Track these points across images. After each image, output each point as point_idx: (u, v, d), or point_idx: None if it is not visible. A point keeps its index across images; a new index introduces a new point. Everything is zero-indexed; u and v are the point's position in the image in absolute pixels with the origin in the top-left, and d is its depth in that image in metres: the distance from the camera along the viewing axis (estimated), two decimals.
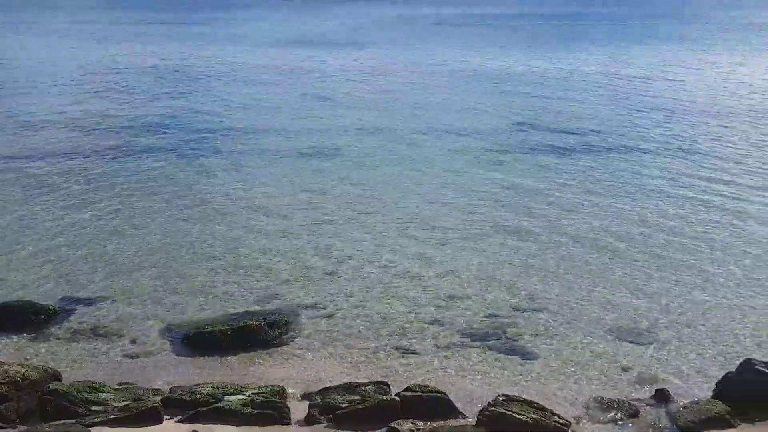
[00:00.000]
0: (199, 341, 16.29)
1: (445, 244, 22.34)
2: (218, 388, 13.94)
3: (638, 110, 45.01)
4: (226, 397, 13.54)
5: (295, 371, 15.22)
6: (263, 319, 16.94)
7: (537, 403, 13.51)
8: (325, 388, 14.14)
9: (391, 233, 23.22)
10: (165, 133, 37.60)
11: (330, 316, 17.63)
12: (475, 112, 44.04)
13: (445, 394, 13.82)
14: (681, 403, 13.89)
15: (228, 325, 16.62)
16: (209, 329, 16.55)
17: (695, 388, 14.58)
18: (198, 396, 13.68)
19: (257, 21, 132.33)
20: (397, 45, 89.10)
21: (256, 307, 18.06)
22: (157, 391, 14.09)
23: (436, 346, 16.31)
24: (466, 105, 46.76)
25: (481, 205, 25.95)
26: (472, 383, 14.82)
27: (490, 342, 16.46)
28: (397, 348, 16.19)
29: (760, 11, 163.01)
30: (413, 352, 16.03)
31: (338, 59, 72.28)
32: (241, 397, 13.52)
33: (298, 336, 16.72)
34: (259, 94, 50.92)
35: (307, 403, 13.77)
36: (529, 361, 15.69)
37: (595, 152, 33.85)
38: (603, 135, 37.47)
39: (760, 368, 13.96)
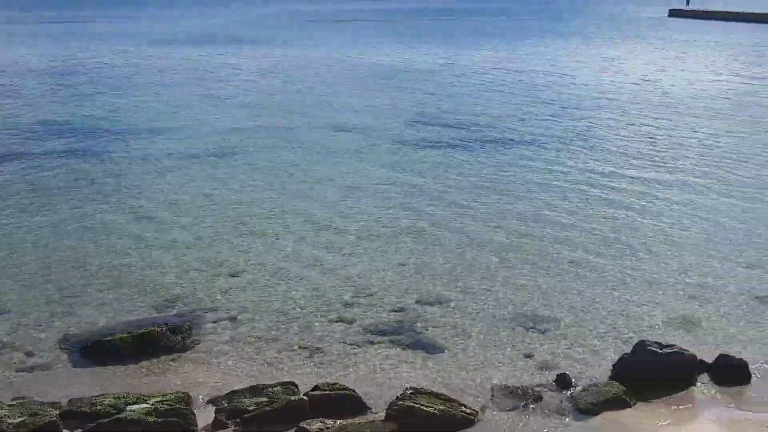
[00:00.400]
0: (98, 351, 15.73)
1: (346, 243, 22.33)
2: (120, 398, 13.51)
3: (532, 104, 46.31)
4: (129, 407, 13.12)
5: (200, 376, 14.92)
6: (165, 324, 16.53)
7: (444, 395, 13.72)
8: (232, 392, 13.92)
9: (291, 234, 23.04)
10: (51, 139, 36.04)
11: (234, 319, 17.37)
12: (371, 110, 44.29)
13: (353, 391, 13.84)
14: (581, 386, 14.37)
15: (128, 333, 16.14)
16: (108, 338, 16.01)
17: (594, 371, 15.08)
18: (98, 407, 13.22)
19: (147, 20, 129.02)
20: (290, 42, 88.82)
21: (158, 314, 17.61)
22: (55, 405, 13.53)
23: (343, 343, 16.30)
24: (362, 102, 47.01)
25: (380, 203, 26.07)
26: (381, 379, 14.88)
27: (397, 337, 16.58)
28: (303, 348, 16.09)
29: (648, 6, 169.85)
30: (320, 351, 15.97)
31: (231, 58, 71.51)
32: (144, 406, 13.15)
33: (203, 340, 16.40)
34: (150, 95, 49.72)
35: (214, 408, 13.54)
36: (435, 354, 15.88)
37: (491, 147, 34.60)
38: (499, 130, 38.35)
39: (653, 348, 14.59)
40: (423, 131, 37.95)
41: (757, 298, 18.48)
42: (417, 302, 18.29)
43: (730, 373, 14.67)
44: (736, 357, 15.02)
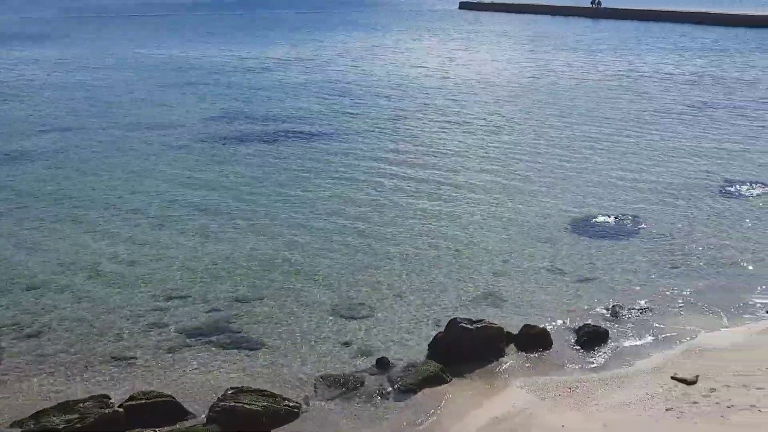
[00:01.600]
0: None
1: (154, 244, 21.51)
2: None
3: (332, 98, 46.76)
4: None
5: (2, 399, 13.79)
6: None
7: (267, 391, 13.61)
8: (39, 412, 12.94)
9: (93, 237, 21.88)
10: None
11: (36, 334, 16.17)
12: (168, 107, 43.00)
13: (172, 396, 13.39)
14: (400, 368, 14.76)
15: None
16: None
17: (412, 352, 15.55)
18: None
19: None
20: (74, 38, 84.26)
21: None
22: None
23: (158, 349, 15.69)
24: (155, 99, 45.57)
25: (185, 204, 25.23)
26: (200, 381, 14.48)
27: (214, 338, 16.20)
28: (115, 357, 15.30)
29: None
30: (134, 360, 15.27)
31: (9, 57, 66.50)
32: None
33: (2, 360, 15.12)
34: None
35: (19, 431, 12.58)
36: (255, 351, 15.68)
37: (293, 142, 34.59)
38: (301, 125, 38.39)
39: (464, 325, 15.27)
40: (224, 129, 37.09)
41: (549, 270, 19.86)
42: (232, 300, 17.96)
43: (534, 340, 15.69)
44: (538, 326, 16.07)
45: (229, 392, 13.33)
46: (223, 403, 12.95)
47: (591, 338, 15.81)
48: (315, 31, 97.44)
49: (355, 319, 17.05)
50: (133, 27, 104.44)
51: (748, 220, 23.76)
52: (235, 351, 15.71)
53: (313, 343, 15.99)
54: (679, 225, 23.32)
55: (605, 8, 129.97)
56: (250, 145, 33.55)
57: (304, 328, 16.60)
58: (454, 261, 20.48)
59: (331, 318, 17.09)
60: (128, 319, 16.96)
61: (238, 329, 16.60)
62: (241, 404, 12.88)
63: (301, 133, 36.28)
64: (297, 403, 13.49)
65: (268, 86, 51.17)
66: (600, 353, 15.44)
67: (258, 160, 31.01)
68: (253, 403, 13.01)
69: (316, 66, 62.24)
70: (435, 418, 13.11)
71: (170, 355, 15.49)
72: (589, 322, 16.58)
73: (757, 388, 13.24)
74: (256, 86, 51.20)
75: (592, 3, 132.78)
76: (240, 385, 13.76)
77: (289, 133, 36.07)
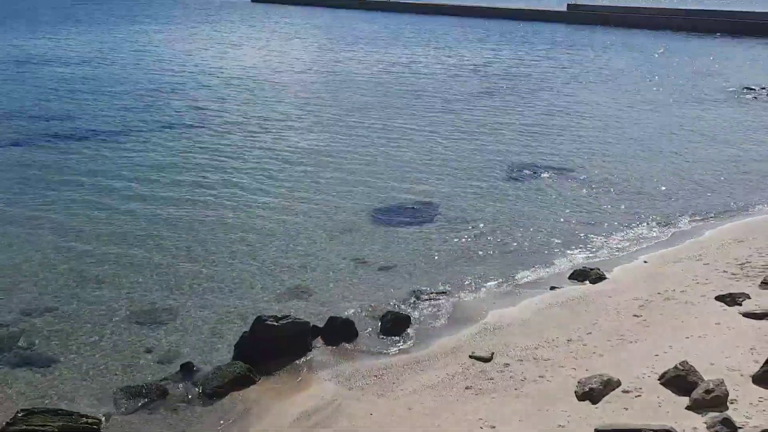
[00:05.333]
0: None
1: None
2: None
3: (115, 94, 44.73)
4: None
5: None
6: None
7: (63, 410, 12.77)
8: None
9: None
10: None
11: None
12: None
13: None
14: (206, 372, 14.41)
15: None
16: None
17: (218, 355, 15.22)
18: None
19: None
20: None
21: None
22: None
23: None
24: None
25: None
26: None
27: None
28: None
29: None
30: None
31: None
32: None
33: None
34: None
35: None
36: (48, 368, 14.64)
37: (67, 140, 32.77)
38: (89, 124, 36.51)
39: (270, 323, 15.15)
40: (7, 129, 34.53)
41: (352, 260, 20.19)
42: (17, 314, 16.63)
43: (340, 332, 15.89)
44: (344, 317, 16.30)
45: (19, 415, 12.36)
46: (12, 428, 12.00)
47: (394, 325, 16.24)
48: (95, 24, 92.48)
49: (156, 324, 16.41)
50: None
51: (532, 203, 25.48)
52: (25, 369, 14.61)
53: (110, 353, 15.21)
54: (470, 209, 24.54)
55: (388, 2, 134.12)
56: (25, 147, 31.24)
57: (101, 339, 15.74)
58: (256, 257, 20.26)
59: (129, 326, 16.31)
60: None
61: (27, 345, 15.45)
62: (32, 427, 12.00)
63: (78, 134, 34.27)
64: (96, 419, 12.77)
65: (40, 83, 47.80)
66: (403, 339, 15.91)
67: (24, 161, 28.92)
68: (47, 423, 12.16)
69: (97, 61, 59.07)
70: (242, 419, 12.92)
71: None
72: (392, 308, 17.05)
73: (545, 360, 14.23)
74: (27, 83, 47.76)
75: None
76: (31, 407, 12.81)
77: (66, 134, 33.87)
